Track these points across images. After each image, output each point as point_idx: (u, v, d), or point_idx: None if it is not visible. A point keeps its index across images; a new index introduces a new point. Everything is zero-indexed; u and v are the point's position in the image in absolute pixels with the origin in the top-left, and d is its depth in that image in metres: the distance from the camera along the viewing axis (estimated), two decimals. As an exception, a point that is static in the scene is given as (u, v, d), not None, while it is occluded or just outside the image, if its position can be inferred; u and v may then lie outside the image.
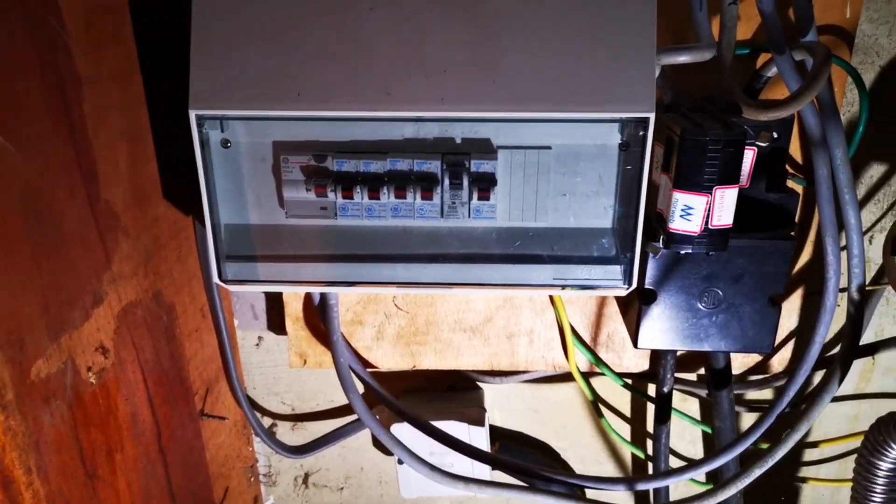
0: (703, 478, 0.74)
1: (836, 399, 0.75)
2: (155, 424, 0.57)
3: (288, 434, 0.84)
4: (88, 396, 0.47)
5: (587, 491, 0.74)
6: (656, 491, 0.72)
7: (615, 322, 0.67)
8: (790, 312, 0.65)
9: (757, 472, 0.59)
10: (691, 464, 0.63)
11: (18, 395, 0.39)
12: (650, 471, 0.74)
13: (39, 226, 0.42)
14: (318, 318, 0.67)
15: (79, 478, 0.46)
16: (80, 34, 0.46)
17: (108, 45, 0.49)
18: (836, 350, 0.69)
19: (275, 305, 0.76)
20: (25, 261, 0.41)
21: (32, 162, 0.41)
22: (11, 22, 0.40)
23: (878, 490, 0.59)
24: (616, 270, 0.52)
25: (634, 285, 0.52)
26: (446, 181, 0.50)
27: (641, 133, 0.48)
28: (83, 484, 0.47)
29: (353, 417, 0.80)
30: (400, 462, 0.77)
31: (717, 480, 0.71)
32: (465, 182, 0.50)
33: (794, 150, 0.60)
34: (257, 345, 0.79)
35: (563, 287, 0.53)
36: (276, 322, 0.78)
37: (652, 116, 0.46)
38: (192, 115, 0.47)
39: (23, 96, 0.41)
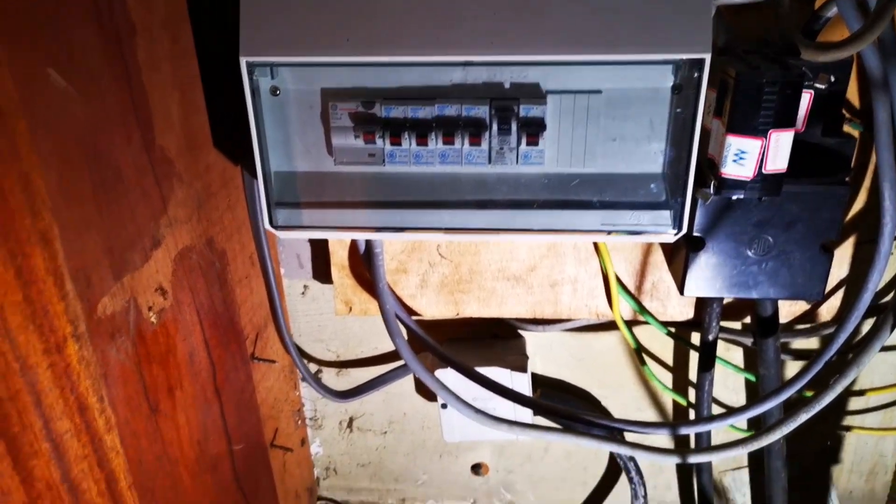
0: (744, 424, 0.75)
1: (885, 348, 0.74)
2: (211, 365, 0.59)
3: (333, 380, 0.86)
4: (150, 335, 0.49)
5: (627, 435, 0.75)
6: (698, 436, 0.72)
7: (660, 270, 0.67)
8: (841, 261, 0.64)
9: (802, 418, 0.59)
10: (735, 409, 0.64)
11: (88, 328, 0.41)
12: (692, 417, 0.75)
13: (100, 169, 0.43)
14: (364, 266, 0.68)
15: (143, 411, 0.48)
16: (132, -19, 0.46)
17: (159, -8, 0.50)
18: (887, 298, 0.68)
19: (320, 254, 0.78)
20: (89, 201, 0.42)
21: (92, 107, 0.42)
22: (69, -32, 0.40)
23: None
24: (665, 216, 0.52)
25: (684, 230, 0.52)
26: (494, 126, 0.50)
27: (696, 75, 0.47)
28: (147, 417, 0.49)
29: (397, 364, 0.82)
30: (444, 406, 0.78)
31: (759, 427, 0.71)
32: (514, 127, 0.50)
33: (852, 93, 0.58)
34: (303, 293, 0.81)
35: (611, 232, 0.53)
36: (321, 271, 0.79)
37: (708, 57, 0.45)
38: (243, 62, 0.48)
39: (82, 43, 0.41)
